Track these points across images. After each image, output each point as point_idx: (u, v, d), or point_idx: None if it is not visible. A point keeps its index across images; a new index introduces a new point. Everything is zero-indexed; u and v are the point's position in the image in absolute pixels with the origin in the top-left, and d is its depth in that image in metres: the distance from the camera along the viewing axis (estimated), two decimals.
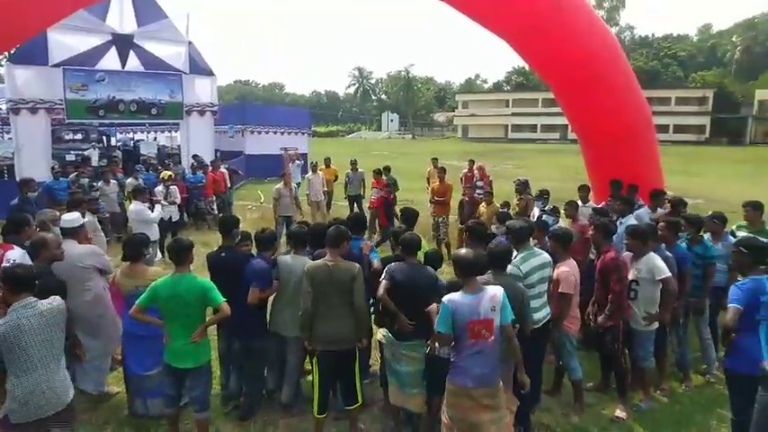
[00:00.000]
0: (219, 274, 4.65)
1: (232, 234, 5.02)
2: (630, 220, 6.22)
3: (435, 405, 4.12)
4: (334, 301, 4.17)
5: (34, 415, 3.29)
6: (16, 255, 4.53)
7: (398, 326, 4.20)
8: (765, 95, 58.12)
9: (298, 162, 11.60)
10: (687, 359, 5.49)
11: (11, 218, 5.26)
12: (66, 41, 14.27)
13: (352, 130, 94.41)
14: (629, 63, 8.20)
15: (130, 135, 25.39)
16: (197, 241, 9.45)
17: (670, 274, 4.68)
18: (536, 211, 7.82)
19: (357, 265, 4.29)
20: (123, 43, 15.22)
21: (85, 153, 17.63)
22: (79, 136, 19.65)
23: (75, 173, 11.42)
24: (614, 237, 5.17)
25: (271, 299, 4.85)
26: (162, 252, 9.01)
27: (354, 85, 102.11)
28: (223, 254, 4.87)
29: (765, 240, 4.31)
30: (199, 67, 16.94)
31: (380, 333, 4.48)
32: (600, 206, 6.95)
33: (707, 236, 5.69)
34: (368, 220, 6.30)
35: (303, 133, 24.84)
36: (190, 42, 16.68)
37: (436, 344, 3.90)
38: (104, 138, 21.30)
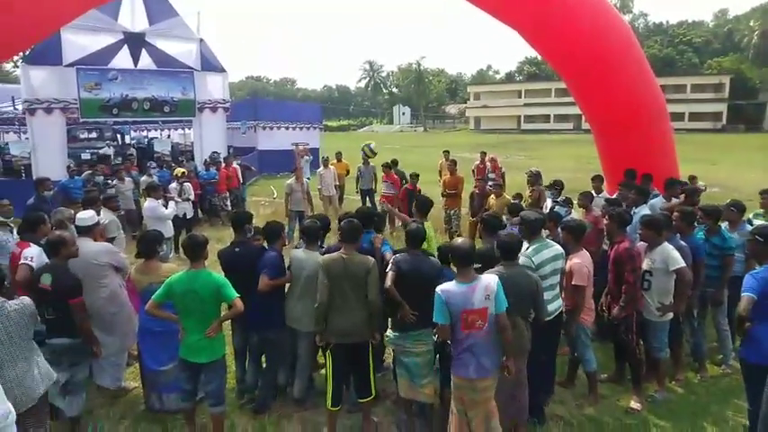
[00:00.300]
0: (234, 269, 4.68)
1: (245, 229, 5.07)
2: (644, 210, 6.16)
3: (447, 397, 4.14)
4: (349, 294, 4.21)
5: None
6: (34, 252, 4.62)
7: (401, 316, 4.22)
8: None
9: (306, 157, 11.61)
10: (703, 349, 5.44)
11: (27, 217, 5.34)
12: (79, 41, 14.41)
13: (363, 123, 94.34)
14: (642, 51, 8.09)
15: (144, 133, 25.60)
16: (211, 237, 9.51)
17: (684, 265, 4.63)
18: (549, 203, 7.78)
19: (372, 258, 4.34)
20: (135, 42, 15.33)
21: (101, 152, 17.86)
22: (94, 135, 19.87)
23: (90, 171, 11.56)
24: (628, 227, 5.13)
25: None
26: (176, 249, 9.11)
27: (365, 78, 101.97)
28: (237, 249, 4.91)
29: None
30: (210, 65, 17.02)
31: (387, 333, 4.50)
32: (613, 197, 6.89)
33: (724, 225, 5.62)
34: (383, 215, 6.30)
35: (315, 128, 24.85)
36: (201, 40, 16.75)
37: None
38: (119, 136, 21.52)
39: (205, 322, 4.05)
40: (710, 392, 5.08)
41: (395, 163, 11.79)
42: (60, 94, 14.33)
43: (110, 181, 11.10)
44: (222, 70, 17.49)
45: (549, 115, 67.00)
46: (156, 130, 25.35)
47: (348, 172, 13.71)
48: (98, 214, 5.88)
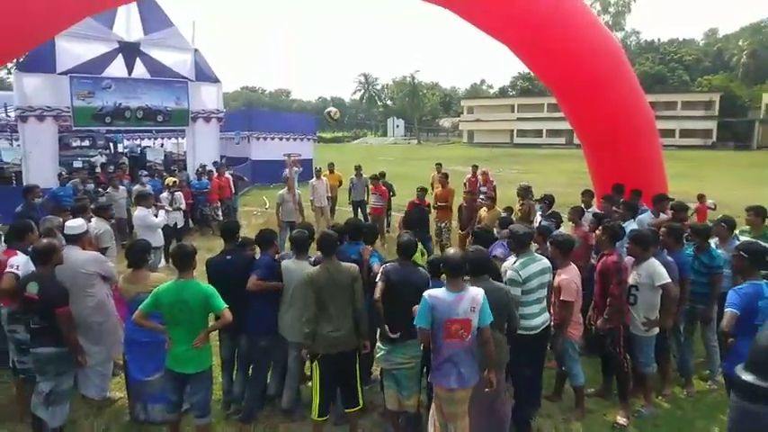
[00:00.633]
0: (224, 278, 4.67)
1: (235, 238, 5.10)
2: (632, 225, 6.20)
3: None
4: (337, 302, 4.25)
5: None
6: (20, 261, 4.59)
7: (381, 332, 4.27)
8: None
9: (296, 169, 11.63)
10: (689, 365, 5.47)
11: (14, 225, 5.31)
12: (73, 49, 14.45)
13: (357, 135, 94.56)
14: (631, 69, 8.21)
15: (137, 142, 25.58)
16: (202, 247, 9.51)
17: (670, 280, 4.66)
18: (539, 217, 7.81)
19: (356, 266, 4.40)
20: (130, 51, 15.39)
21: (92, 160, 17.82)
22: (86, 143, 19.87)
23: (77, 179, 11.53)
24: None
25: None
26: (166, 258, 9.07)
27: (360, 91, 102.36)
28: (229, 257, 4.91)
29: (765, 245, 4.30)
30: (205, 75, 17.08)
31: (377, 346, 4.50)
32: (601, 212, 6.93)
33: (714, 241, 5.67)
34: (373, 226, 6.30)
35: (309, 139, 24.94)
36: (196, 50, 16.84)
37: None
38: (111, 144, 21.49)
39: (193, 332, 4.03)
40: (696, 408, 5.09)
41: (382, 175, 11.97)
42: (53, 102, 14.33)
43: (101, 189, 11.06)
44: (216, 80, 17.56)
45: (541, 130, 67.42)
46: (149, 138, 25.35)
47: (340, 183, 13.71)
48: (88, 222, 5.86)
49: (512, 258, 4.71)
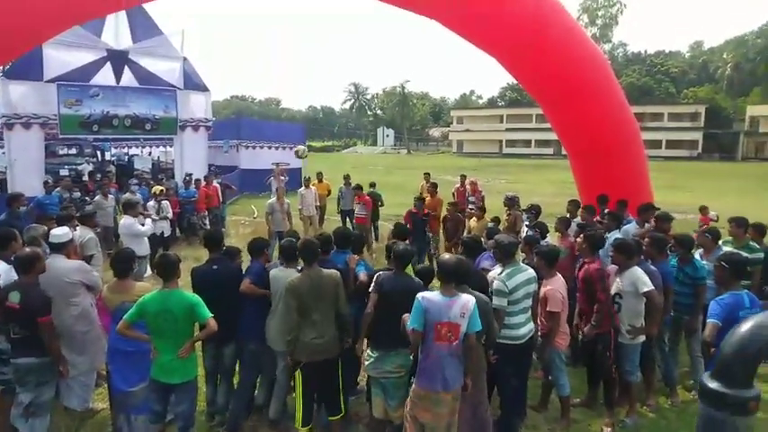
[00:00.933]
0: (209, 287, 4.62)
1: (220, 247, 5.08)
2: (617, 235, 6.26)
3: None
4: (320, 309, 4.26)
5: None
6: (1, 269, 4.53)
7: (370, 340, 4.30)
8: (756, 111, 58.79)
9: (282, 178, 11.63)
10: (674, 375, 5.50)
11: None
12: (61, 57, 14.35)
13: (347, 144, 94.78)
14: (616, 80, 8.33)
15: (125, 150, 25.42)
16: (189, 256, 9.48)
17: (653, 288, 4.70)
18: (525, 227, 7.85)
19: (337, 272, 4.42)
20: (118, 59, 15.31)
21: (79, 168, 17.67)
22: (73, 151, 19.72)
23: (58, 187, 11.44)
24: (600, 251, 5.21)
25: None
26: (152, 267, 8.99)
27: (350, 100, 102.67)
28: (215, 266, 4.87)
29: (746, 255, 4.36)
30: (193, 83, 17.04)
31: (367, 353, 4.49)
32: (584, 222, 6.99)
33: (698, 252, 5.72)
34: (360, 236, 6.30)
35: None
36: (185, 58, 16.79)
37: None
38: (98, 152, 21.35)
39: (178, 342, 3.99)
40: (681, 418, 5.11)
41: (372, 185, 12.10)
42: (40, 110, 14.21)
43: (87, 198, 10.97)
44: (205, 89, 17.52)
45: (530, 140, 67.98)
46: (137, 146, 25.20)
47: (329, 192, 13.72)
48: (73, 230, 5.81)
49: (498, 268, 4.73)
